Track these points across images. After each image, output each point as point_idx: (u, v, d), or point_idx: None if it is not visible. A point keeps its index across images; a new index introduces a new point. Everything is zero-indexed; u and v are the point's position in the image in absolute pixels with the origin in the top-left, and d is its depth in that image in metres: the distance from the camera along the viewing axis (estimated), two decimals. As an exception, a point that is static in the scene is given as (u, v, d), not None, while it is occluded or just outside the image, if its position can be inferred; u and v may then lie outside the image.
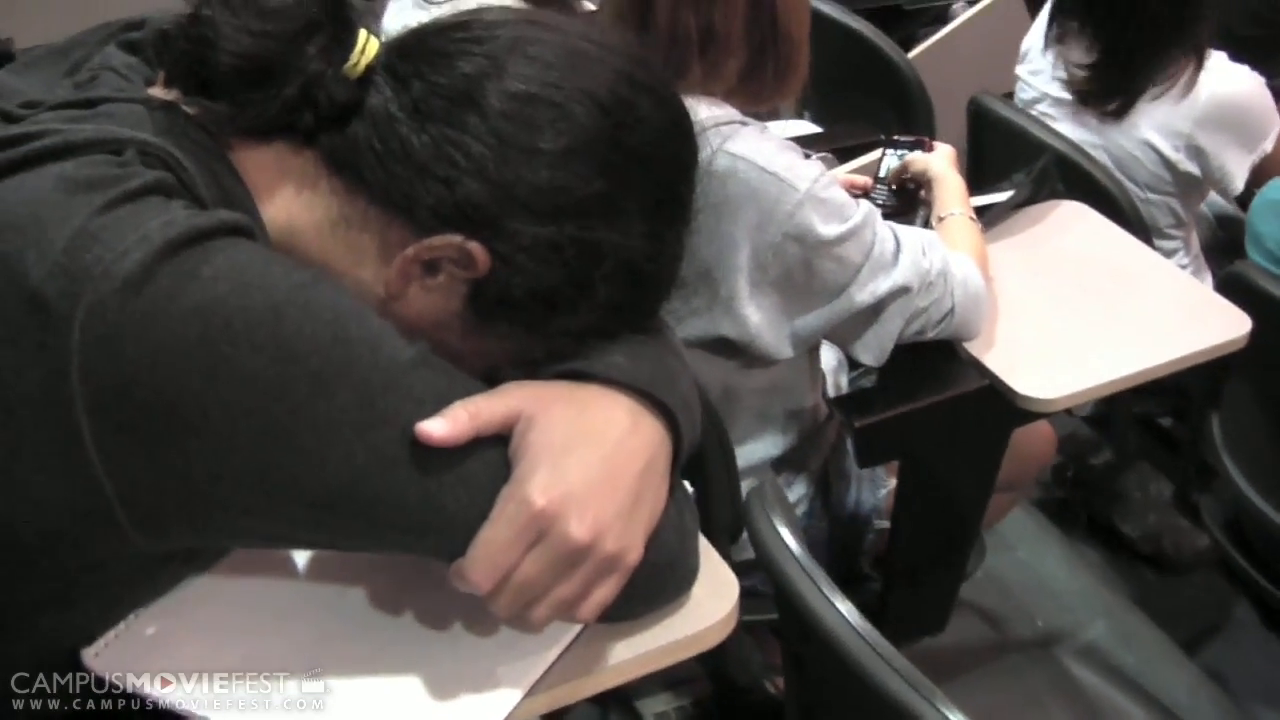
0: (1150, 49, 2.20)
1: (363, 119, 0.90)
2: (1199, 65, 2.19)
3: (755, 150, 1.48)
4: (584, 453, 0.86)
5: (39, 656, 0.88)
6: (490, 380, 0.90)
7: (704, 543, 1.02)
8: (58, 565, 0.82)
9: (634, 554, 0.88)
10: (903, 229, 1.60)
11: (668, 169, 0.95)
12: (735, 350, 1.59)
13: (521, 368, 0.93)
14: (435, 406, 0.84)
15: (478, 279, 0.90)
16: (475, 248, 0.88)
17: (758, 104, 1.62)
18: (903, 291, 1.55)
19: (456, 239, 0.88)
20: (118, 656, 0.89)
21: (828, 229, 1.48)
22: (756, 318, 1.54)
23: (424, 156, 0.88)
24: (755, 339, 1.55)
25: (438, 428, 0.82)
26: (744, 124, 1.52)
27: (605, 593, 0.88)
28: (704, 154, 1.45)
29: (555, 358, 0.93)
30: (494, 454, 0.86)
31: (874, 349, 1.59)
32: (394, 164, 0.88)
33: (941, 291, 1.59)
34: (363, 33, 0.91)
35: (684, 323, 1.56)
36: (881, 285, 1.53)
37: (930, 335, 1.63)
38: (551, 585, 0.86)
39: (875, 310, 1.56)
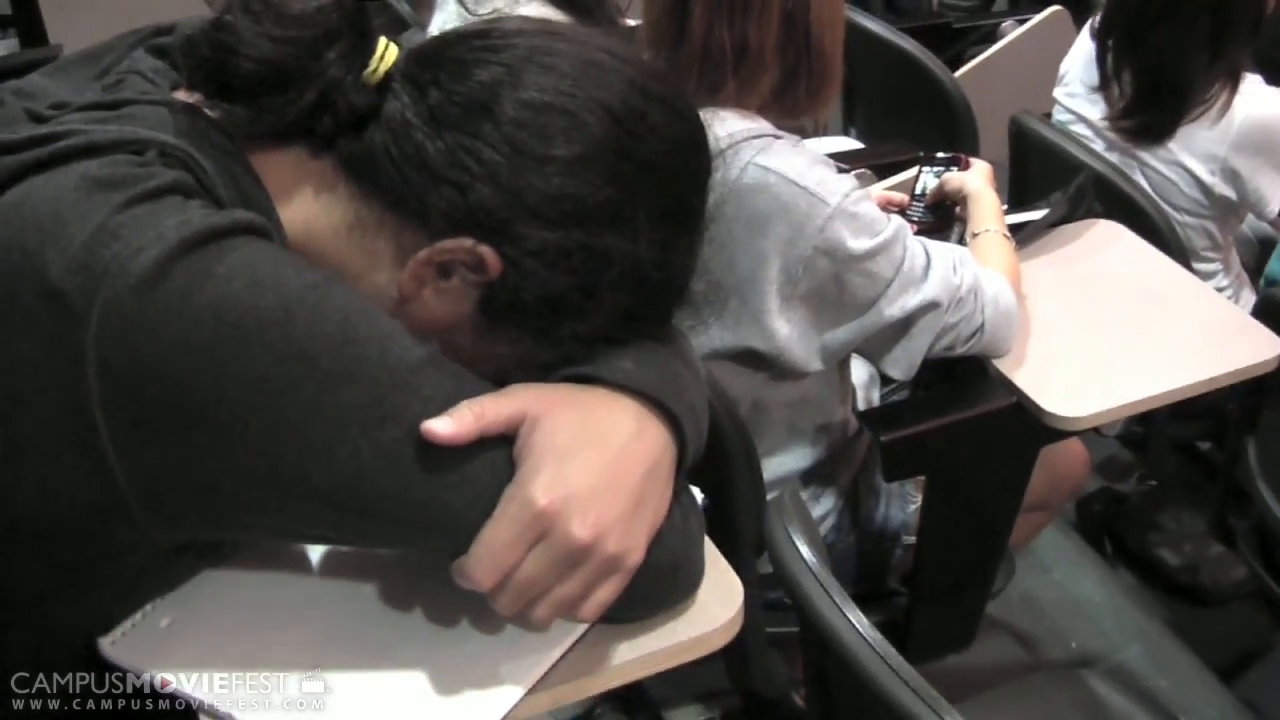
0: (1186, 78, 2.19)
1: (380, 125, 0.91)
2: (1234, 89, 2.19)
3: (787, 164, 1.49)
4: (588, 455, 0.88)
5: (52, 644, 0.89)
6: (500, 384, 0.91)
7: (711, 548, 1.03)
8: (73, 553, 0.84)
9: (635, 555, 0.89)
10: (934, 245, 1.60)
11: (678, 178, 0.96)
12: (764, 362, 1.60)
13: (531, 372, 0.94)
14: (442, 406, 0.85)
15: (489, 283, 0.92)
16: (486, 251, 0.90)
17: (792, 118, 1.63)
18: (932, 306, 1.55)
19: (467, 243, 0.89)
20: (133, 646, 0.90)
21: (858, 243, 1.49)
22: (785, 330, 1.55)
23: (438, 162, 0.89)
24: (784, 351, 1.56)
25: (443, 426, 0.84)
26: (776, 137, 1.53)
27: (606, 593, 0.89)
28: (736, 167, 1.48)
29: (565, 362, 0.94)
30: (499, 454, 0.87)
31: (903, 364, 1.60)
32: (409, 169, 0.90)
33: (972, 308, 1.60)
34: (382, 40, 0.93)
35: (713, 334, 1.58)
36: (911, 300, 1.54)
37: (960, 351, 1.63)
38: (553, 584, 0.87)
39: (904, 325, 1.56)
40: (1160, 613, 2.49)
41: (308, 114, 0.90)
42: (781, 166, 1.49)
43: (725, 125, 1.52)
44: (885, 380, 2.01)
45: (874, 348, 1.61)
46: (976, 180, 1.85)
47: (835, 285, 1.52)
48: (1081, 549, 2.64)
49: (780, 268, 1.51)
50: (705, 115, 1.50)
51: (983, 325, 1.61)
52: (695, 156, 0.97)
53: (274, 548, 0.99)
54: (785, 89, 1.58)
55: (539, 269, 0.91)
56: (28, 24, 3.22)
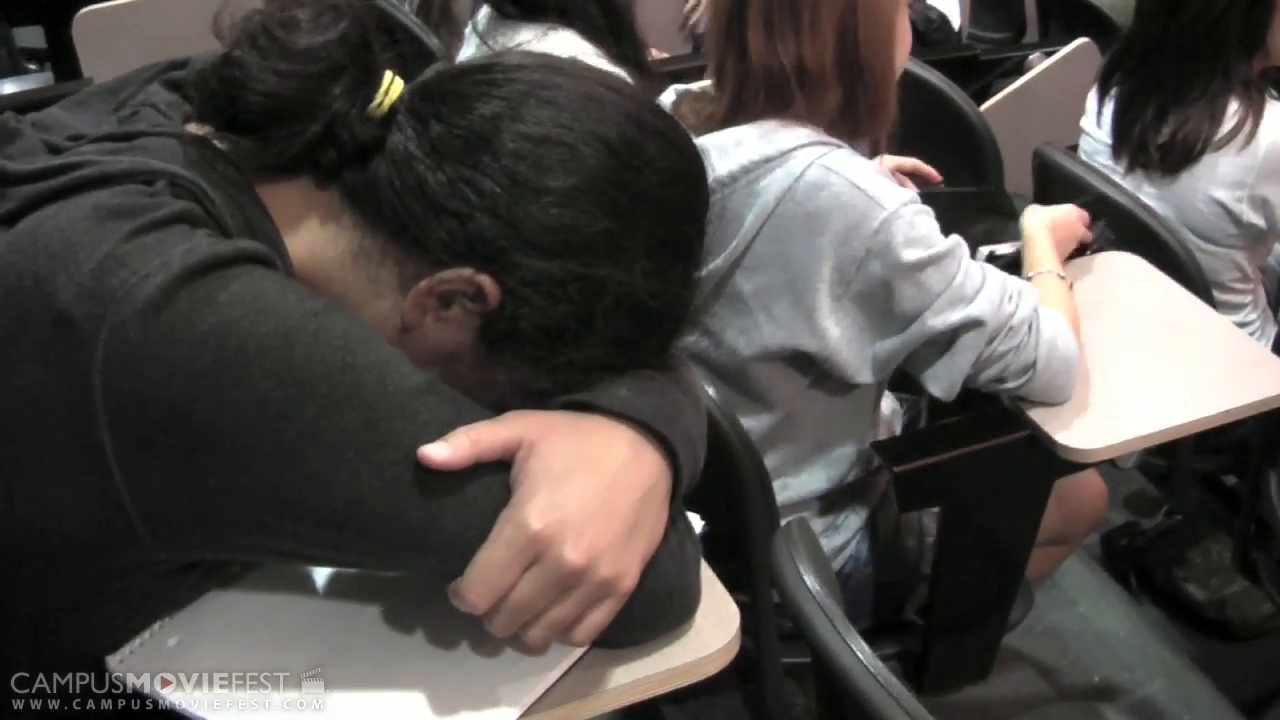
0: (1163, 78, 2.23)
1: (384, 157, 0.94)
2: (1258, 116, 2.19)
3: (849, 166, 1.54)
4: (583, 480, 0.89)
5: (58, 660, 0.91)
6: (500, 411, 0.93)
7: (708, 574, 1.04)
8: (82, 572, 0.86)
9: (629, 580, 0.90)
10: (995, 272, 1.63)
11: (674, 210, 0.97)
12: (813, 366, 1.64)
13: (530, 399, 0.95)
14: (440, 432, 0.87)
15: (488, 312, 0.93)
16: (485, 281, 0.92)
17: (857, 138, 1.67)
18: (975, 324, 1.57)
19: (467, 272, 0.91)
20: (141, 664, 0.92)
21: (910, 252, 1.52)
22: (835, 332, 1.58)
23: (439, 193, 0.91)
24: (835, 354, 1.60)
25: (439, 452, 0.86)
26: (839, 146, 1.58)
27: (600, 616, 0.90)
28: (800, 164, 1.52)
29: (563, 390, 0.96)
30: (495, 479, 0.89)
31: (944, 380, 1.62)
32: (411, 200, 0.92)
33: (1023, 340, 1.60)
34: (387, 75, 0.95)
35: (765, 332, 1.62)
36: (955, 315, 1.56)
37: (1011, 386, 1.63)
38: (547, 607, 0.89)
39: (948, 340, 1.59)
40: (1186, 647, 2.47)
41: (314, 146, 0.93)
42: (843, 168, 1.54)
43: (794, 132, 1.57)
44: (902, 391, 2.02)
45: (917, 361, 1.63)
46: (1037, 220, 1.87)
47: (885, 291, 1.55)
48: (1106, 583, 2.63)
49: (834, 266, 1.55)
50: (774, 123, 1.56)
51: (1035, 362, 1.61)
52: (691, 188, 0.99)
53: (279, 569, 1.00)
54: (847, 109, 1.62)
55: (536, 298, 0.92)
56: (62, 59, 3.27)
